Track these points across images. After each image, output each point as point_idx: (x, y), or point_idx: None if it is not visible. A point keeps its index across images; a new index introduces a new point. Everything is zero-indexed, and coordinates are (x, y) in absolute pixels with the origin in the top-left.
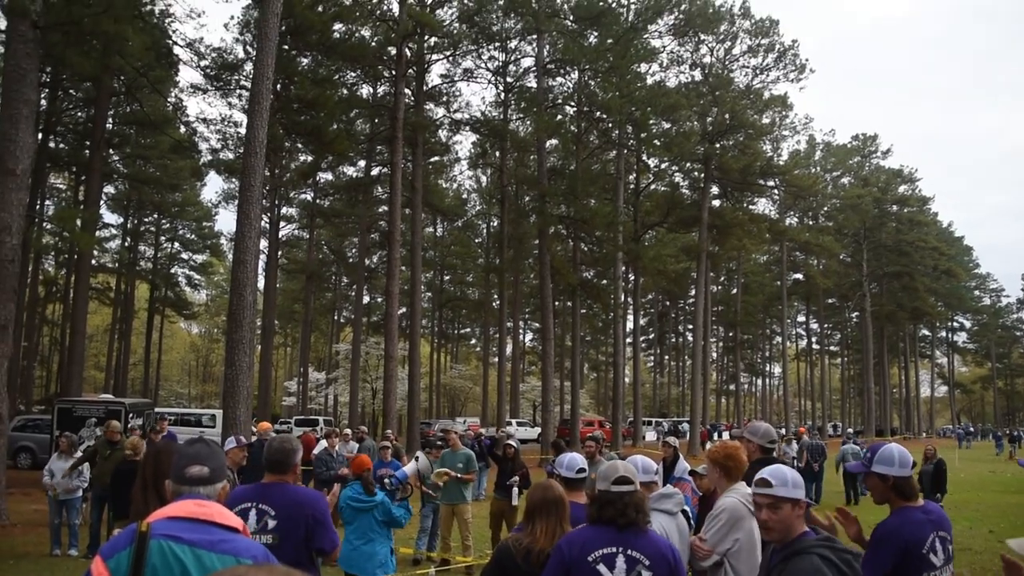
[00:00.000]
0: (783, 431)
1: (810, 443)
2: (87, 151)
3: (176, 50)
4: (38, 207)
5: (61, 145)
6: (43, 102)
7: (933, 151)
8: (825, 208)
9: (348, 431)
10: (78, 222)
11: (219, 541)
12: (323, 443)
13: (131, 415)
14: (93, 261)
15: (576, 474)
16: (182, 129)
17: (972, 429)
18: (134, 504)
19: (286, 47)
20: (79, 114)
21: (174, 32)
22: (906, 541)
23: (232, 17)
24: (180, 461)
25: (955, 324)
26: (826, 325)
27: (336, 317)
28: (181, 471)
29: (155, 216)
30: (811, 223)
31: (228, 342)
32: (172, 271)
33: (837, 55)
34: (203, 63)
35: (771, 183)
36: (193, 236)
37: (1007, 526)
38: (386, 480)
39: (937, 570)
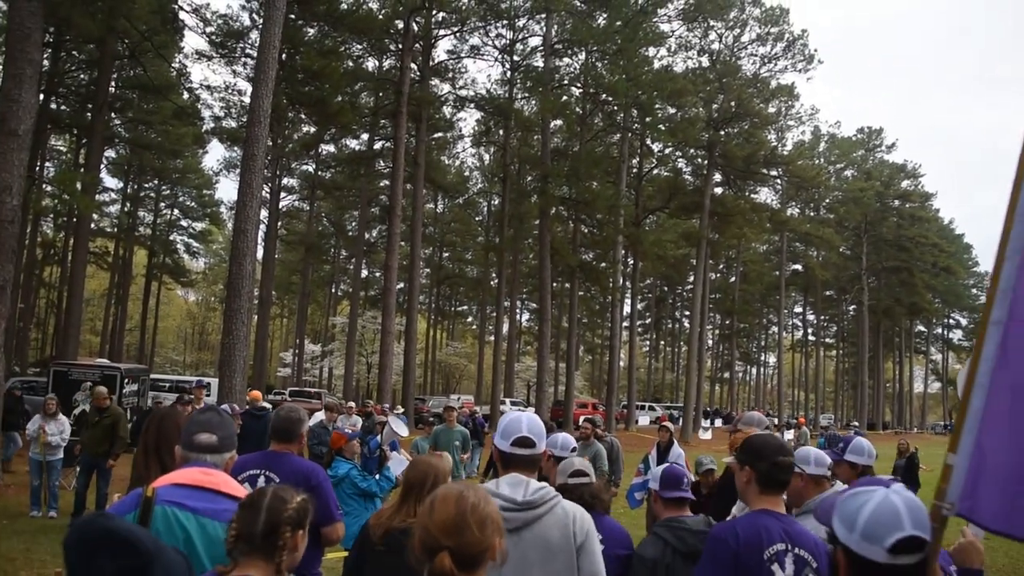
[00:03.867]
0: (775, 420)
1: (833, 435)
2: (89, 114)
3: (182, 15)
4: (38, 168)
5: (63, 107)
6: (46, 63)
7: (937, 146)
8: (827, 200)
9: (351, 404)
10: (78, 185)
11: (223, 510)
12: (319, 415)
13: (126, 380)
14: (92, 225)
15: (570, 454)
16: (185, 95)
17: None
18: (135, 469)
19: (292, 16)
20: (82, 76)
21: None
22: None
23: None
24: (190, 428)
25: (951, 321)
26: (823, 317)
27: (334, 290)
28: (190, 438)
29: (155, 182)
30: (812, 214)
31: (226, 311)
32: (171, 238)
33: (846, 46)
34: (208, 29)
35: (774, 173)
36: (193, 203)
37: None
38: (364, 450)
39: None
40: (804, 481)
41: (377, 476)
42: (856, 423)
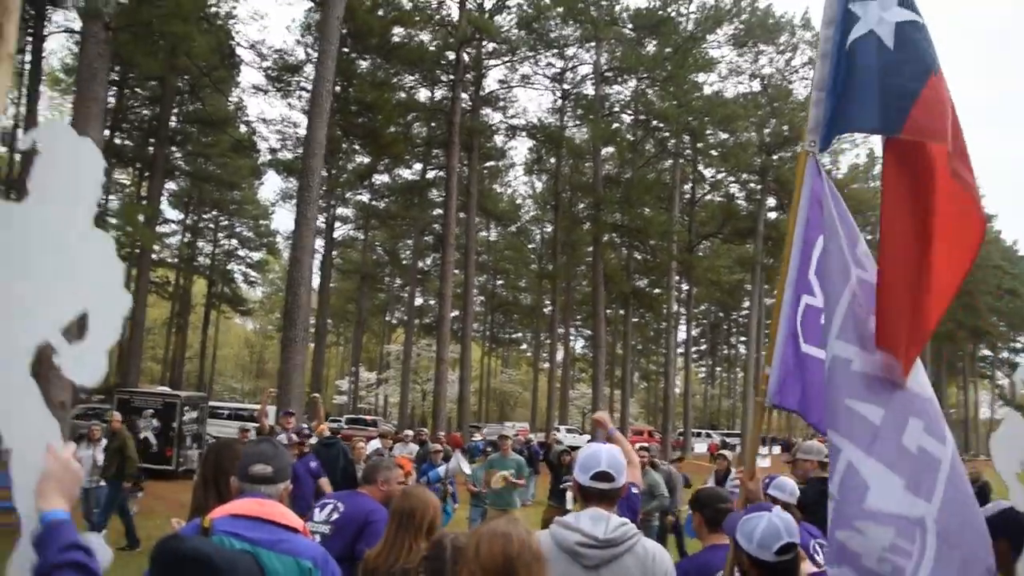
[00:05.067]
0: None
1: None
2: (151, 148)
3: (239, 51)
4: (103, 202)
5: (126, 141)
6: (111, 99)
7: (997, 163)
8: None
9: (409, 432)
10: (140, 218)
11: (279, 541)
12: (375, 443)
13: (185, 408)
14: (153, 255)
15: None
16: (242, 128)
17: None
18: (194, 499)
19: (346, 50)
20: (144, 112)
21: (237, 33)
22: None
23: (293, 20)
24: (246, 459)
25: (1018, 344)
26: None
27: (388, 318)
28: (245, 469)
29: (214, 213)
30: (869, 238)
31: (283, 340)
32: (229, 267)
33: None
34: (265, 64)
35: None
36: (250, 234)
37: None
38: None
39: None
40: None
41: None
42: None
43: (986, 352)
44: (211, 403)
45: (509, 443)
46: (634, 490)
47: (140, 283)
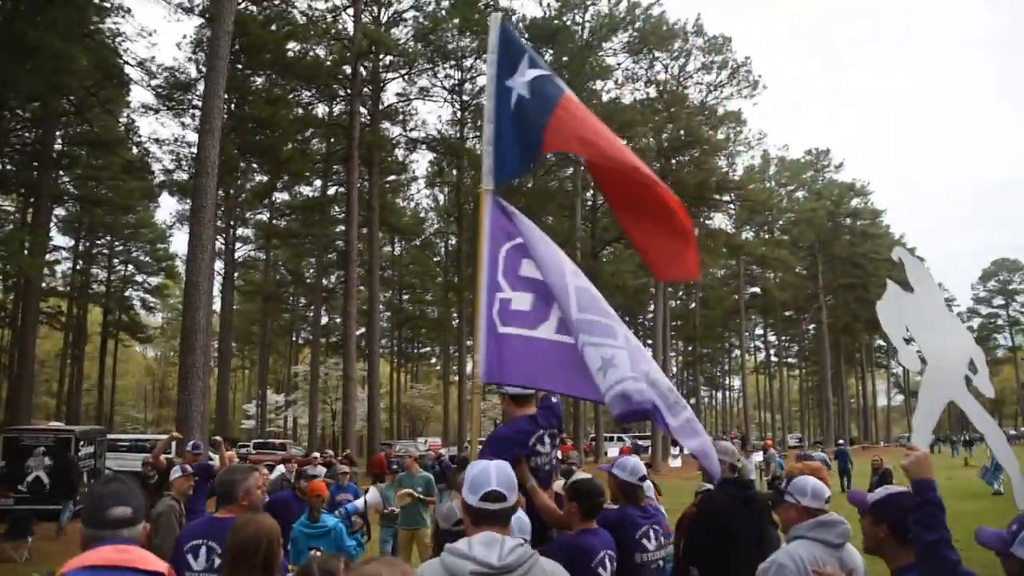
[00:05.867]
0: (740, 443)
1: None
2: (35, 172)
3: (127, 69)
4: None
5: (8, 166)
6: None
7: (882, 164)
8: (780, 222)
9: (316, 455)
10: (25, 245)
11: None
12: (280, 468)
13: (81, 443)
14: (43, 284)
15: (638, 480)
16: (134, 149)
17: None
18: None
19: (239, 66)
20: (27, 134)
21: (125, 51)
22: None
23: (184, 36)
24: (97, 502)
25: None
26: (784, 337)
27: (294, 338)
28: (101, 513)
29: (108, 238)
30: (767, 237)
31: (181, 366)
32: (126, 294)
33: (789, 67)
34: (155, 82)
35: (727, 198)
36: (147, 258)
37: (961, 531)
38: (336, 512)
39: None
40: (798, 513)
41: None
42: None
43: (881, 343)
44: (111, 436)
45: (411, 460)
46: (553, 399)
47: (28, 314)
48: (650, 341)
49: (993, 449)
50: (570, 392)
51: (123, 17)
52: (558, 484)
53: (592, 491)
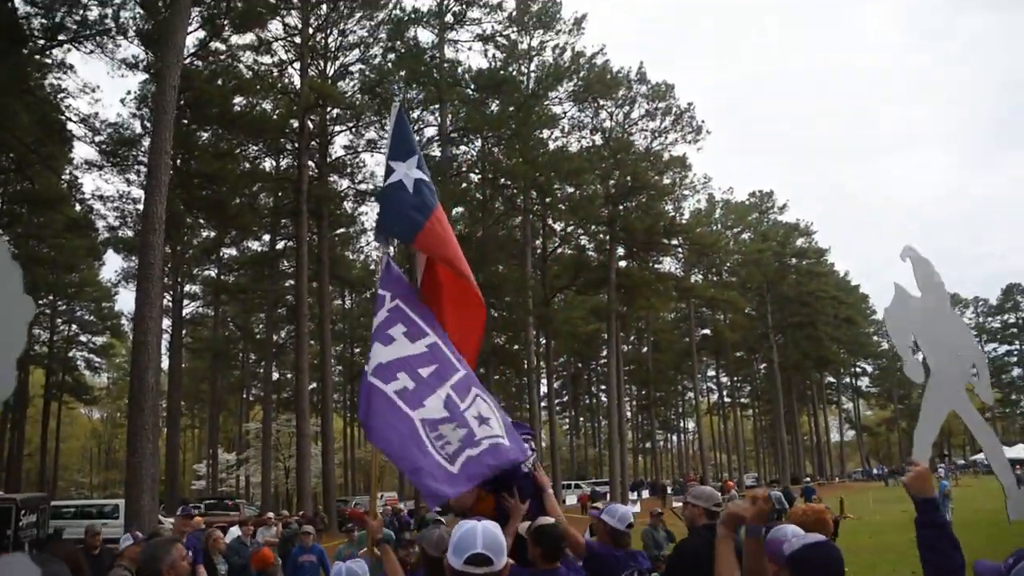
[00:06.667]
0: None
1: (777, 495)
2: None
3: (70, 125)
4: None
5: None
6: None
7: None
8: (728, 264)
9: (271, 515)
10: None
11: None
12: (235, 531)
13: (23, 512)
14: None
15: (626, 528)
16: (77, 207)
17: (884, 470)
18: None
19: (185, 121)
20: None
21: (67, 108)
22: None
23: (129, 92)
24: None
25: (858, 369)
26: (736, 378)
27: (245, 395)
28: None
29: (50, 298)
30: (716, 279)
31: (130, 428)
32: (70, 355)
33: (732, 114)
34: (98, 139)
35: (675, 242)
36: (92, 317)
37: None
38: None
39: None
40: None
41: None
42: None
43: (831, 379)
44: (54, 502)
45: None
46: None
47: None
48: (604, 387)
49: (989, 459)
50: (402, 467)
51: (65, 73)
52: (523, 526)
53: (554, 535)
